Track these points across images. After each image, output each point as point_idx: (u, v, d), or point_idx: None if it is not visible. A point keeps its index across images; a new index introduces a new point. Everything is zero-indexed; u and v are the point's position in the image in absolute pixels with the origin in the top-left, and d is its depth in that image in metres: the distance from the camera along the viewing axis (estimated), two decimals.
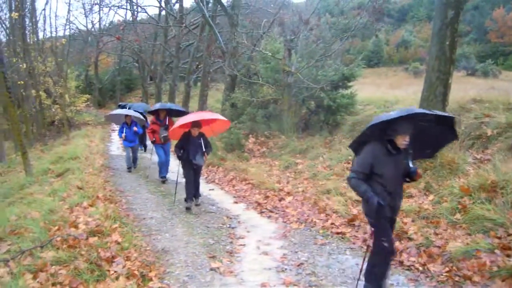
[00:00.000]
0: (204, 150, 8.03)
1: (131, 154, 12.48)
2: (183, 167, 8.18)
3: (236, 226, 7.05)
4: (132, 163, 12.68)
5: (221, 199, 9.00)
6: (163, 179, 10.84)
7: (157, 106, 11.37)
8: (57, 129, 26.67)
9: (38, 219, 6.18)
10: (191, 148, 7.92)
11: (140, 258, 5.32)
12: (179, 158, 8.04)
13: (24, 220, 6.18)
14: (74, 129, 25.95)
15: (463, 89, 12.36)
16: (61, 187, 9.00)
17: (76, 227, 5.99)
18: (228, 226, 7.07)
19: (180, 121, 8.13)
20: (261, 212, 7.86)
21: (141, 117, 12.86)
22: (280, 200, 8.31)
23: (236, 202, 8.72)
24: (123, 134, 12.02)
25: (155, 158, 11.58)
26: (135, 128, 12.05)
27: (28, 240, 5.36)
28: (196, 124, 7.93)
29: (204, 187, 10.22)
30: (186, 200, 8.11)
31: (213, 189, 10.05)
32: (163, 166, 10.89)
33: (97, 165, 12.74)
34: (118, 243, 5.63)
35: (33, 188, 9.85)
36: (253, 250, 5.90)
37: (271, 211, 7.80)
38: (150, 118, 12.01)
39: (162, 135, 10.45)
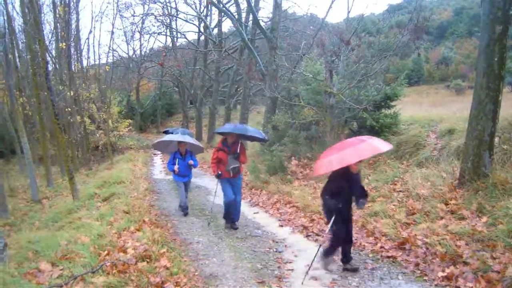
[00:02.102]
0: (364, 191, 5.80)
1: (185, 192, 10.08)
2: (335, 222, 5.65)
3: (283, 250, 6.95)
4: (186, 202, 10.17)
5: (266, 223, 8.92)
6: (234, 226, 8.41)
7: (227, 128, 8.62)
8: (101, 154, 27.35)
9: (87, 244, 6.27)
10: (349, 191, 5.66)
11: (189, 284, 5.29)
12: (333, 209, 5.60)
13: (74, 245, 6.28)
14: (118, 153, 26.54)
15: (511, 105, 11.96)
16: (108, 212, 9.14)
17: (124, 251, 6.04)
18: (275, 250, 6.97)
19: (343, 155, 5.23)
20: (307, 236, 7.74)
21: (199, 144, 10.72)
22: (326, 224, 8.17)
23: (281, 226, 8.61)
24: (176, 167, 9.72)
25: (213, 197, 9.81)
26: (190, 162, 9.81)
27: (79, 265, 5.43)
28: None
29: (248, 211, 10.20)
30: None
31: (257, 212, 9.99)
32: (234, 208, 8.39)
33: (141, 189, 12.90)
34: (167, 268, 5.63)
35: (81, 213, 10.04)
36: (301, 275, 5.77)
37: (317, 235, 7.66)
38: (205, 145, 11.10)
39: (231, 167, 8.15)
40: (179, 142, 9.83)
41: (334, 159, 5.33)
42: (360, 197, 5.72)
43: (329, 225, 5.69)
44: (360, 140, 5.46)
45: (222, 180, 8.34)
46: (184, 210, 9.98)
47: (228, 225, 8.47)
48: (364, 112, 11.90)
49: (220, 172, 8.19)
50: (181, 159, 9.88)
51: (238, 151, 8.22)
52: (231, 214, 8.42)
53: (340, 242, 5.81)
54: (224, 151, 8.20)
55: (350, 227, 6.06)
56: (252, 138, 9.11)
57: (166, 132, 12.58)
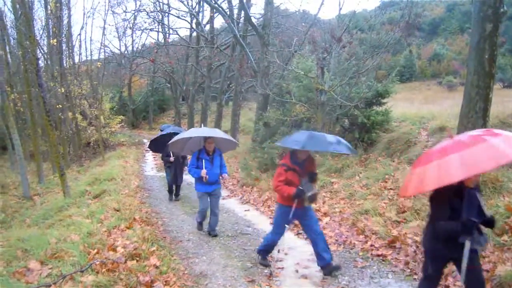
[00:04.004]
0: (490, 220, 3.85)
1: (209, 204, 7.72)
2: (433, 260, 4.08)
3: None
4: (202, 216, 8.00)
5: (257, 220, 8.93)
6: (333, 269, 5.69)
7: (303, 139, 5.35)
8: (93, 150, 27.23)
9: (77, 242, 6.23)
10: (467, 212, 3.68)
11: (179, 283, 5.29)
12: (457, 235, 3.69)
13: (64, 243, 6.24)
14: (109, 150, 26.41)
15: (501, 102, 12.02)
16: (99, 209, 9.09)
17: (114, 250, 6.02)
18: None
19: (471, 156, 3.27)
20: (298, 234, 7.75)
21: (231, 138, 8.20)
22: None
23: (272, 223, 8.60)
24: (204, 172, 7.32)
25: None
26: (225, 175, 7.75)
27: (69, 263, 5.40)
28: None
29: (239, 208, 10.20)
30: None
31: (248, 210, 10.00)
32: (321, 240, 5.76)
33: (132, 186, 12.87)
34: (157, 267, 5.62)
35: (72, 210, 9.99)
36: (292, 273, 5.81)
37: None
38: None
39: (310, 193, 5.58)
40: (206, 138, 7.51)
41: (453, 162, 3.33)
42: (484, 225, 3.89)
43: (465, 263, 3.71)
44: (491, 134, 3.47)
45: (285, 211, 5.75)
46: (200, 224, 8.11)
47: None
48: (355, 109, 11.92)
49: (299, 187, 5.60)
50: (209, 161, 7.46)
51: (314, 170, 5.96)
52: (322, 254, 5.67)
53: None
54: (295, 171, 5.69)
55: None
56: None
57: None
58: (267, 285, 5.37)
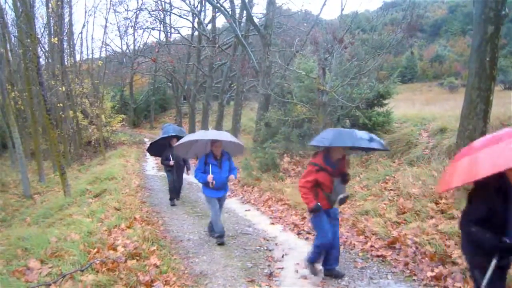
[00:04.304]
0: None
1: (219, 212, 7.36)
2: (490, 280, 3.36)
3: (274, 249, 6.95)
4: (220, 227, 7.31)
5: (257, 220, 8.93)
6: (339, 274, 5.59)
7: (330, 136, 5.08)
8: (94, 149, 27.26)
9: (77, 241, 6.24)
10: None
11: (179, 282, 5.29)
12: (490, 249, 3.26)
13: (64, 242, 6.25)
14: (110, 148, 26.46)
15: (502, 104, 12.01)
16: (99, 208, 9.10)
17: (114, 249, 6.03)
18: (265, 248, 6.97)
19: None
20: (298, 234, 7.75)
21: (239, 141, 7.86)
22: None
23: (272, 223, 8.61)
24: (210, 177, 6.94)
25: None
26: (232, 177, 7.29)
27: (69, 263, 5.41)
28: None
29: (239, 208, 10.20)
30: None
31: (249, 210, 9.99)
32: (335, 251, 5.55)
33: (133, 185, 12.88)
34: (157, 267, 5.63)
35: (72, 209, 10.00)
36: (291, 273, 5.80)
37: (308, 233, 7.67)
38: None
39: (341, 196, 5.33)
40: (213, 142, 7.10)
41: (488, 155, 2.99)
42: None
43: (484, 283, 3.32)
44: None
45: (316, 214, 5.40)
46: (220, 238, 7.22)
47: (328, 273, 5.64)
48: (356, 110, 11.92)
49: (318, 204, 5.27)
50: (217, 166, 7.09)
51: (347, 171, 5.56)
52: (330, 260, 5.58)
53: None
54: (327, 171, 5.30)
55: None
56: (367, 149, 5.86)
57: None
58: (267, 285, 5.36)
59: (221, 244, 7.12)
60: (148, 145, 11.49)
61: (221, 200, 7.43)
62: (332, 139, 5.00)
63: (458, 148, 7.62)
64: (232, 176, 7.28)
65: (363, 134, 5.11)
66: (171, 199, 10.86)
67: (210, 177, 6.93)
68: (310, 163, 5.46)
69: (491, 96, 7.43)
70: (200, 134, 7.61)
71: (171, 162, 10.54)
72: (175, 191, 10.91)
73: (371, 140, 5.04)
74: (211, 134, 7.52)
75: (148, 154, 13.29)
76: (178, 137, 10.05)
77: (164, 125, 12.70)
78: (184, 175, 11.13)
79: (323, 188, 5.33)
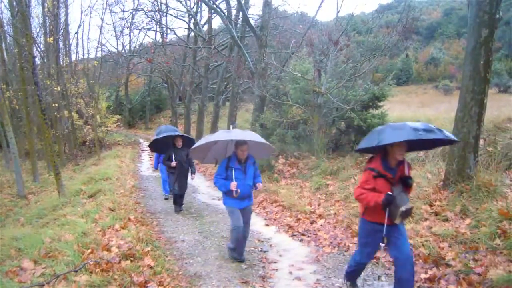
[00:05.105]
0: None
1: (242, 221, 6.17)
2: None
3: (268, 250, 6.95)
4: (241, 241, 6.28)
5: (252, 222, 8.87)
6: None
7: (376, 135, 4.49)
8: (89, 149, 27.17)
9: (71, 242, 6.23)
10: None
11: (173, 283, 5.29)
12: None
13: (58, 243, 6.23)
14: (105, 149, 26.38)
15: (497, 107, 12.09)
16: (94, 209, 9.09)
17: (108, 250, 6.02)
18: (260, 249, 6.98)
19: None
20: (292, 235, 7.75)
21: (267, 142, 6.59)
22: (311, 223, 8.19)
23: (267, 225, 8.61)
24: (234, 185, 5.95)
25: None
26: (259, 185, 6.34)
27: (62, 263, 5.40)
28: None
29: None
30: None
31: None
32: (409, 265, 4.45)
33: (128, 186, 12.86)
34: (151, 267, 5.63)
35: (66, 209, 9.95)
36: (285, 275, 5.80)
37: (303, 234, 7.68)
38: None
39: (404, 208, 4.32)
40: (238, 143, 6.04)
41: None
42: None
43: None
44: None
45: (372, 229, 4.65)
46: (239, 255, 6.35)
47: None
48: (351, 112, 11.94)
49: (390, 193, 4.36)
50: (241, 171, 6.10)
51: (409, 175, 4.62)
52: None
53: None
54: (386, 178, 4.48)
55: None
56: (433, 143, 4.80)
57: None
58: (261, 286, 5.37)
59: (241, 260, 6.31)
60: (151, 141, 10.41)
61: (246, 213, 6.28)
62: (379, 137, 4.30)
63: (452, 151, 7.67)
64: (259, 184, 6.33)
65: (417, 125, 4.19)
66: (175, 202, 10.02)
67: (233, 185, 5.93)
68: (367, 169, 4.66)
69: (485, 99, 7.46)
70: (221, 135, 6.15)
71: (173, 163, 9.53)
72: (175, 198, 9.95)
73: (429, 131, 4.11)
74: (236, 134, 6.11)
75: (142, 155, 13.01)
76: (184, 138, 9.89)
77: (157, 129, 12.30)
78: (189, 180, 10.03)
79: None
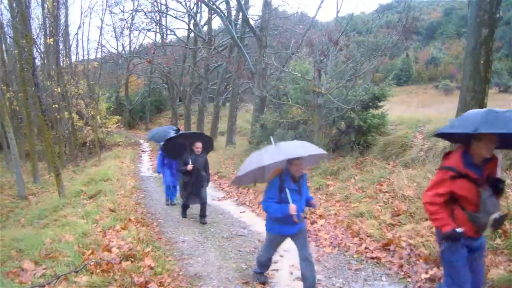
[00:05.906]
0: None
1: (275, 251, 5.52)
2: None
3: None
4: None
5: (252, 222, 8.92)
6: None
7: (478, 118, 3.49)
8: (89, 150, 27.18)
9: (72, 243, 6.22)
10: None
11: (173, 284, 5.29)
12: None
13: (58, 244, 6.22)
14: (105, 150, 26.40)
15: (497, 107, 12.07)
16: (94, 210, 9.07)
17: (109, 251, 6.01)
18: (260, 250, 6.97)
19: None
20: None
21: (322, 150, 5.12)
22: (312, 224, 8.18)
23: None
24: (293, 206, 4.66)
25: None
26: (313, 201, 5.12)
27: (63, 264, 5.39)
28: None
29: (234, 210, 10.19)
30: None
31: (244, 212, 9.98)
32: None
33: (128, 186, 12.86)
34: (151, 268, 5.62)
35: (67, 210, 9.94)
36: (286, 275, 5.81)
37: None
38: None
39: (495, 216, 3.51)
40: (292, 161, 4.74)
41: None
42: None
43: None
44: None
45: (453, 246, 3.70)
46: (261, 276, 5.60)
47: None
48: (352, 112, 11.93)
49: (461, 230, 3.58)
50: (297, 192, 4.85)
51: (499, 175, 3.68)
52: None
53: None
54: (469, 178, 3.61)
55: None
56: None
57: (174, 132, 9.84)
58: (261, 287, 5.36)
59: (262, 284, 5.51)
60: (163, 142, 9.36)
61: (301, 236, 4.99)
62: (479, 122, 3.34)
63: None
64: (314, 202, 5.14)
65: None
66: (184, 207, 9.43)
67: (293, 208, 4.63)
68: (442, 167, 3.76)
69: (485, 99, 7.44)
70: (269, 156, 4.58)
71: (189, 167, 8.53)
72: (185, 208, 9.38)
73: None
74: (285, 150, 4.68)
75: (143, 155, 12.92)
76: (204, 141, 8.85)
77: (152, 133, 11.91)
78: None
79: (463, 205, 3.65)
